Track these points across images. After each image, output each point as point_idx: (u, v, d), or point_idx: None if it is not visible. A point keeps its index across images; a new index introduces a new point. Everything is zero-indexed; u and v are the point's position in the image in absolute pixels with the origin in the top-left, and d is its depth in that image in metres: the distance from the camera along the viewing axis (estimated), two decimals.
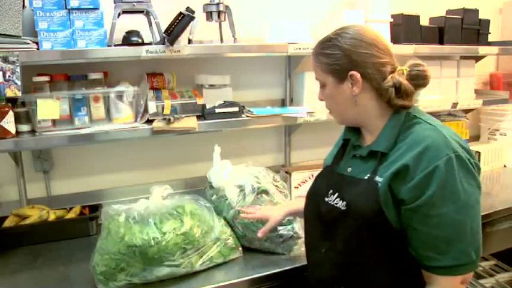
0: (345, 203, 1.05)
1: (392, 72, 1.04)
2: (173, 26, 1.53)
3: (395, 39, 2.08)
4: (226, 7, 1.73)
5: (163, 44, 1.55)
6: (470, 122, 2.61)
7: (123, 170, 1.97)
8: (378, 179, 1.01)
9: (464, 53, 2.34)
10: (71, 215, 1.75)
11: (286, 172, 1.98)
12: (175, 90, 1.81)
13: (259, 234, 1.40)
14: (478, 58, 2.49)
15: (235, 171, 1.66)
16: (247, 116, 1.78)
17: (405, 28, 2.11)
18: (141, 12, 1.59)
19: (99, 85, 1.63)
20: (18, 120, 1.49)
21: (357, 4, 2.13)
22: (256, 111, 1.83)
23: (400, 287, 1.03)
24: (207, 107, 1.72)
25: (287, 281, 1.42)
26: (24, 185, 1.79)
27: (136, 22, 1.64)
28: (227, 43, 1.79)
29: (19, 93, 1.38)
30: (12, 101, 1.49)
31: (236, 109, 1.75)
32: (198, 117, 1.71)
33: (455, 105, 2.26)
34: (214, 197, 1.64)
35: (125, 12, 1.55)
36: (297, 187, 1.95)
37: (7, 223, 1.66)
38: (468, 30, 2.29)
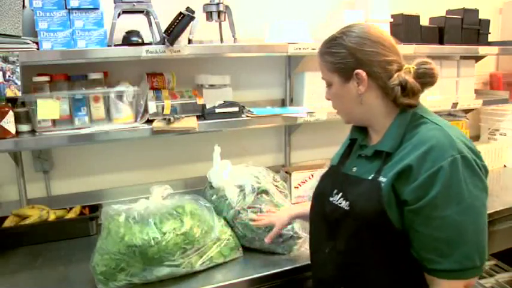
0: (348, 202, 1.05)
1: (399, 70, 1.03)
2: (173, 26, 1.53)
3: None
4: (226, 7, 1.73)
5: (163, 44, 1.55)
6: (470, 122, 2.61)
7: (123, 170, 1.97)
8: (381, 179, 0.99)
9: (464, 53, 2.34)
10: (71, 215, 1.75)
11: (286, 172, 1.98)
12: (175, 90, 1.81)
13: (267, 240, 1.42)
14: (478, 58, 2.49)
15: (235, 171, 1.66)
16: (247, 116, 1.78)
17: (405, 28, 2.11)
18: (141, 12, 1.59)
19: (99, 85, 1.63)
20: (18, 120, 1.49)
21: (357, 4, 2.13)
22: (256, 111, 1.83)
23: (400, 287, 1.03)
24: (207, 107, 1.72)
25: (287, 281, 1.42)
26: (24, 185, 1.79)
27: (136, 22, 1.64)
28: (227, 43, 1.79)
29: (19, 93, 1.38)
30: (12, 101, 1.49)
31: (236, 109, 1.75)
32: (198, 117, 1.71)
33: (455, 105, 2.26)
34: (214, 197, 1.64)
35: (125, 12, 1.55)
36: (297, 187, 1.95)
37: (7, 223, 1.66)
38: (468, 30, 2.29)
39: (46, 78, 1.57)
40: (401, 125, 1.03)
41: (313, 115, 1.88)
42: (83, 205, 1.80)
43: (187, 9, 1.54)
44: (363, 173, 1.06)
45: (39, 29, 1.43)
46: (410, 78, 1.01)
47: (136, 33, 1.60)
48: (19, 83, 1.36)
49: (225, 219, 1.55)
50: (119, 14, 1.53)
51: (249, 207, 1.52)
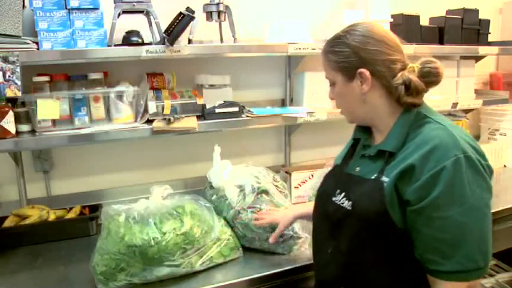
0: (350, 202, 1.04)
1: (403, 69, 1.02)
2: (173, 26, 1.53)
3: None
4: (226, 7, 1.73)
5: (163, 44, 1.55)
6: (470, 122, 2.61)
7: (123, 170, 1.97)
8: (384, 178, 0.98)
9: (464, 53, 2.34)
10: (71, 215, 1.75)
11: (286, 172, 1.98)
12: (175, 90, 1.81)
13: (271, 240, 1.42)
14: (478, 58, 2.49)
15: (235, 171, 1.66)
16: (247, 116, 1.78)
17: (405, 28, 2.11)
18: (141, 12, 1.59)
19: (99, 85, 1.63)
20: (18, 120, 1.49)
21: (357, 4, 2.13)
22: (256, 111, 1.83)
23: None
24: (207, 107, 1.72)
25: (287, 281, 1.42)
26: (24, 185, 1.79)
27: (136, 22, 1.64)
28: (227, 43, 1.79)
29: (19, 93, 1.38)
30: (12, 101, 1.49)
31: (236, 109, 1.75)
32: (198, 117, 1.71)
33: (455, 105, 2.26)
34: (214, 197, 1.64)
35: (125, 12, 1.55)
36: (297, 187, 1.95)
37: (7, 223, 1.66)
38: (468, 30, 2.29)
39: (46, 78, 1.57)
40: (404, 125, 1.02)
41: (313, 115, 1.88)
42: (83, 205, 1.80)
43: (187, 9, 1.54)
44: (366, 173, 1.06)
45: (39, 29, 1.43)
46: (414, 77, 1.01)
47: (136, 33, 1.60)
48: (19, 83, 1.36)
49: (225, 219, 1.55)
50: (119, 14, 1.53)
51: (249, 207, 1.52)
